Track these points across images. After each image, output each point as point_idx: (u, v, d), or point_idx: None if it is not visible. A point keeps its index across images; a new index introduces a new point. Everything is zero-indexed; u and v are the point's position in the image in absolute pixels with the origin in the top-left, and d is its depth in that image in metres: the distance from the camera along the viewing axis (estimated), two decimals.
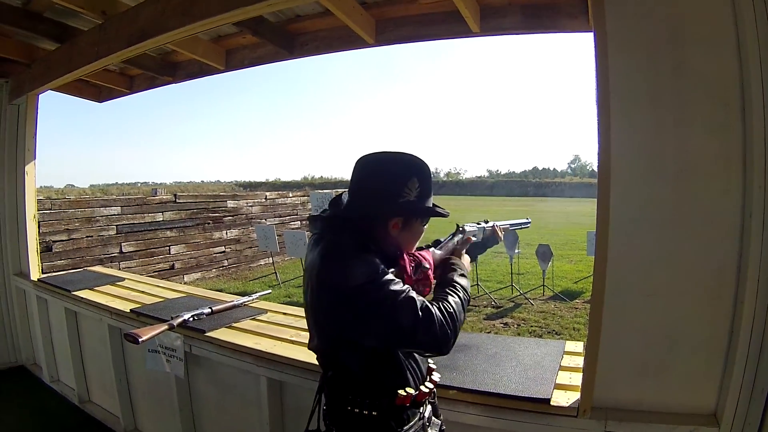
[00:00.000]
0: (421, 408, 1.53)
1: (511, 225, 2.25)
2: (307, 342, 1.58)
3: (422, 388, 1.51)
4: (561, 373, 2.00)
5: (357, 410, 1.46)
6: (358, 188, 1.53)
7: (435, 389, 1.61)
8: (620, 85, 1.60)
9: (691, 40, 1.54)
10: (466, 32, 2.91)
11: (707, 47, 1.54)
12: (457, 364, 2.05)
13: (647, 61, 1.59)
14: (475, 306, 7.73)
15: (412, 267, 1.55)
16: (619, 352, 1.72)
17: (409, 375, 1.49)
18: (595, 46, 1.61)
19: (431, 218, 1.58)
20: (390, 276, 1.39)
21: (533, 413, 1.80)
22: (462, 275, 1.65)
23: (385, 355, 1.46)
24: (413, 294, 1.40)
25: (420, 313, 1.36)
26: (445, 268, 1.70)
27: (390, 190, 1.49)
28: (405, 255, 1.54)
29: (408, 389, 1.46)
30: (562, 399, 1.80)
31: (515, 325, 6.79)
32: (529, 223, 2.41)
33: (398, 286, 1.38)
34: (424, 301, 1.40)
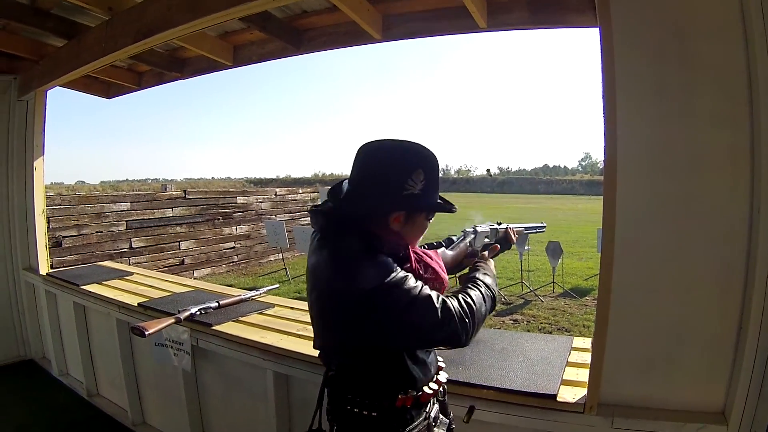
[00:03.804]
0: (427, 407, 1.51)
1: (525, 228, 2.23)
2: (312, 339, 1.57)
3: (425, 389, 1.48)
4: (568, 369, 1.99)
5: (357, 410, 1.44)
6: (359, 178, 1.47)
7: (443, 388, 1.58)
8: (626, 79, 1.58)
9: (698, 33, 1.53)
10: (472, 27, 2.89)
11: (714, 39, 1.52)
12: (464, 359, 2.04)
13: (653, 55, 1.58)
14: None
15: (420, 265, 1.50)
16: (626, 349, 1.71)
17: (414, 376, 1.45)
18: (601, 41, 1.60)
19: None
20: (403, 273, 1.36)
21: (539, 409, 1.79)
22: (485, 274, 1.64)
23: (391, 357, 1.43)
24: (428, 290, 1.37)
25: (438, 309, 1.34)
26: (470, 269, 1.70)
27: (393, 182, 1.41)
28: (411, 253, 1.48)
29: (410, 391, 1.44)
30: (569, 395, 1.79)
31: (525, 322, 6.79)
32: (545, 227, 2.37)
33: (412, 282, 1.36)
34: (440, 296, 1.38)
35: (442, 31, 3.06)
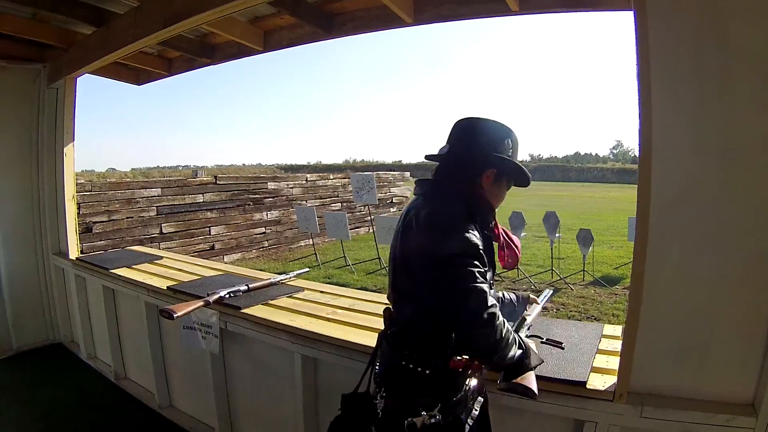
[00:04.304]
0: (467, 381, 1.60)
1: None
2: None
3: (476, 360, 1.56)
4: (598, 357, 2.00)
5: (411, 366, 1.54)
6: (458, 143, 1.69)
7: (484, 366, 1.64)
8: (661, 63, 1.57)
9: (736, 15, 1.50)
10: (505, 11, 2.89)
11: (753, 21, 1.50)
12: None
13: (689, 37, 1.56)
14: (515, 289, 7.78)
15: (505, 238, 1.69)
16: (657, 337, 1.71)
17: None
18: (635, 24, 1.60)
19: None
20: (479, 261, 1.49)
21: (569, 396, 1.81)
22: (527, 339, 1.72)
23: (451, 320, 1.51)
24: (488, 289, 1.47)
25: (488, 305, 1.44)
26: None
27: (489, 143, 1.66)
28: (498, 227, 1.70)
29: (465, 356, 1.53)
30: (599, 382, 1.81)
31: (554, 310, 6.83)
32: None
33: (480, 270, 1.47)
34: (495, 303, 1.47)
35: (474, 14, 3.06)
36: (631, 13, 1.62)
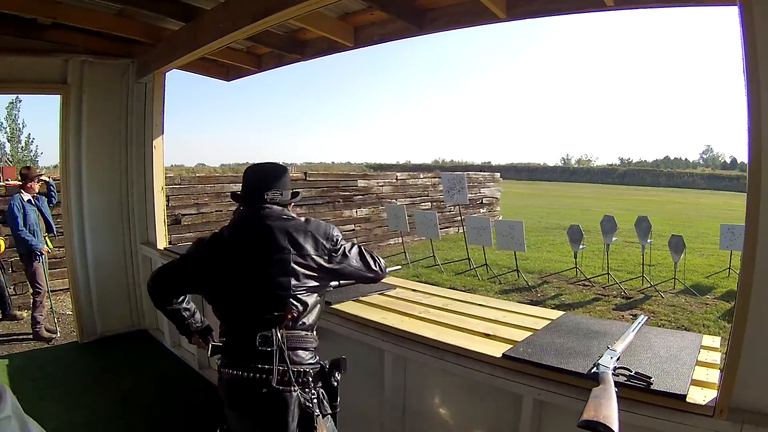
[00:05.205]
0: None
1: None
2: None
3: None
4: (697, 369, 1.95)
5: None
6: (275, 184, 2.28)
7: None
8: None
9: None
10: (599, 6, 2.91)
11: None
12: (591, 351, 2.06)
13: None
14: (605, 296, 8.03)
15: None
16: (763, 353, 1.65)
17: None
18: (741, 20, 1.53)
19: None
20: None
21: (667, 409, 1.76)
22: None
23: None
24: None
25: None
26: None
27: (289, 182, 2.40)
28: None
29: None
30: (699, 396, 1.75)
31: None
32: None
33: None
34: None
35: (569, 9, 3.08)
36: (736, 7, 1.53)
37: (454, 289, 6.74)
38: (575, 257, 9.38)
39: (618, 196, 35.93)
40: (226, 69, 5.45)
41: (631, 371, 1.86)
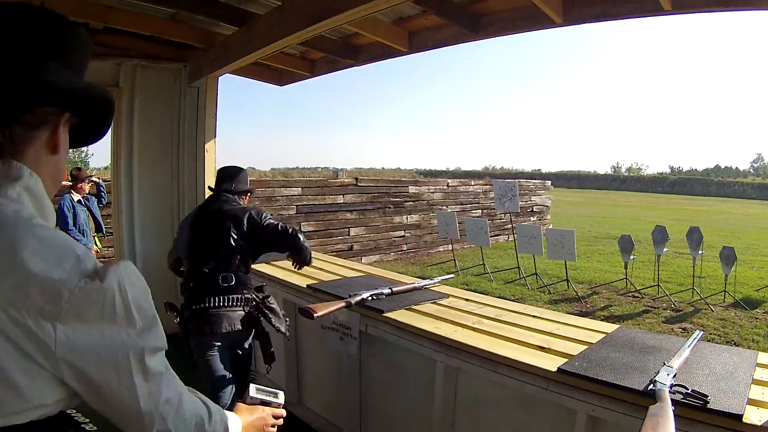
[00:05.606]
0: None
1: None
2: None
3: None
4: (753, 387, 1.91)
5: None
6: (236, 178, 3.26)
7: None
8: None
9: None
10: (657, 10, 2.91)
11: None
12: (647, 366, 2.05)
13: None
14: (654, 308, 7.98)
15: None
16: None
17: None
18: None
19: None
20: None
21: (723, 429, 1.72)
22: None
23: None
24: None
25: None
26: None
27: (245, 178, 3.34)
28: None
29: None
30: (755, 417, 1.71)
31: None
32: None
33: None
34: None
35: (627, 14, 3.08)
36: None
37: (503, 298, 6.76)
38: (625, 268, 9.25)
39: (667, 206, 35.90)
40: (279, 74, 5.55)
41: (688, 389, 1.83)
